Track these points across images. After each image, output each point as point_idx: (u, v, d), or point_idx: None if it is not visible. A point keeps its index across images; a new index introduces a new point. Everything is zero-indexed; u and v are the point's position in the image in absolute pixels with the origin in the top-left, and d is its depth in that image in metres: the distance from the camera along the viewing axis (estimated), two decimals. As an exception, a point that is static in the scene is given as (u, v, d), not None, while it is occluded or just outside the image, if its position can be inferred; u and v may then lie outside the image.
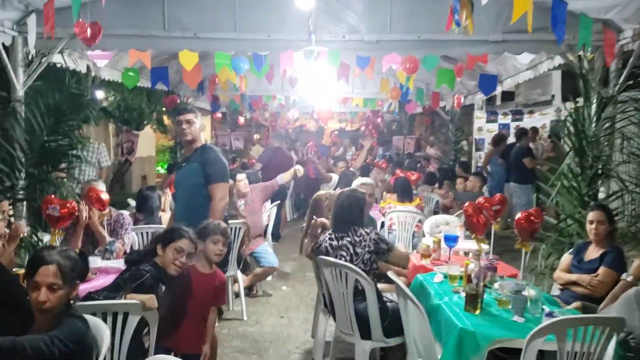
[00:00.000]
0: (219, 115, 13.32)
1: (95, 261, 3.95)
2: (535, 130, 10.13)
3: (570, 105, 10.69)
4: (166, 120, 9.91)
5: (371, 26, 5.39)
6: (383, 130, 18.64)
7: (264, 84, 9.61)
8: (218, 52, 6.38)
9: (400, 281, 3.33)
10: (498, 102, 14.84)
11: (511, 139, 10.63)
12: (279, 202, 7.80)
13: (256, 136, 17.97)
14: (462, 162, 9.72)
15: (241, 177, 6.21)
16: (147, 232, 5.19)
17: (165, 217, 5.52)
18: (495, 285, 3.59)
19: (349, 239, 4.06)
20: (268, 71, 7.66)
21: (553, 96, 11.80)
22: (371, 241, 4.05)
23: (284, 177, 6.73)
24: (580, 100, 5.57)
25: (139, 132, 9.38)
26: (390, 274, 3.46)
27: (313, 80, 8.55)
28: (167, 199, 6.18)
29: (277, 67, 7.26)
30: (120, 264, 3.91)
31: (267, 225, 7.06)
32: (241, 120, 15.17)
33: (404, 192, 6.88)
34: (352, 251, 4.03)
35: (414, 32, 5.31)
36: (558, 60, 6.18)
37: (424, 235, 6.70)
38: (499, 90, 7.82)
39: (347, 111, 16.51)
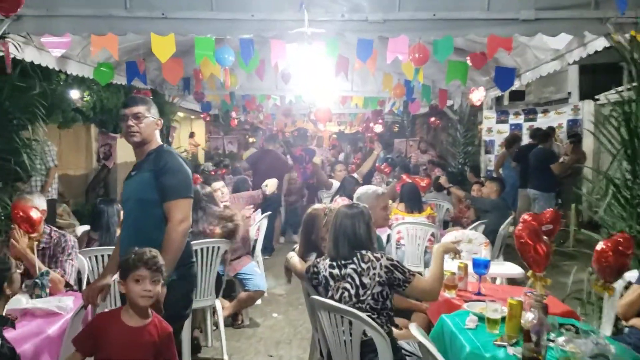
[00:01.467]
0: (204, 115, 12.37)
1: (19, 300, 3.01)
2: (552, 130, 9.28)
3: (588, 103, 10.04)
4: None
5: (376, 3, 4.52)
6: (383, 133, 17.84)
7: (256, 81, 8.84)
8: (197, 39, 5.54)
9: (429, 343, 2.34)
10: (506, 102, 13.98)
11: (524, 141, 9.80)
12: (270, 212, 6.85)
13: (251, 139, 17.17)
14: (474, 166, 8.87)
15: (218, 185, 5.34)
16: (102, 255, 4.24)
17: None
18: (560, 340, 2.60)
19: (353, 266, 3.16)
20: (258, 65, 6.84)
21: (569, 94, 10.97)
22: (382, 269, 3.10)
23: (268, 187, 5.82)
24: (613, 96, 4.64)
25: (117, 135, 8.53)
26: (412, 328, 2.50)
27: (309, 75, 7.70)
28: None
29: (269, 61, 6.48)
30: (53, 303, 3.02)
31: (255, 241, 6.15)
32: (235, 122, 14.29)
33: (413, 201, 6.00)
34: (358, 282, 3.13)
35: (427, 9, 4.44)
36: (578, 53, 5.32)
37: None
38: (516, 84, 6.97)
39: (346, 112, 15.74)
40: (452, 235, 4.82)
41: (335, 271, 3.20)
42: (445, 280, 3.48)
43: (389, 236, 5.78)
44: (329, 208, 3.78)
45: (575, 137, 9.07)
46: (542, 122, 10.14)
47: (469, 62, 6.19)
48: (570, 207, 8.62)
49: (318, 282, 3.28)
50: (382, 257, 3.17)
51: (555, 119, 10.18)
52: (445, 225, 7.36)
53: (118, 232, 4.46)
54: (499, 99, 12.98)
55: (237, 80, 8.24)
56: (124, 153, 12.53)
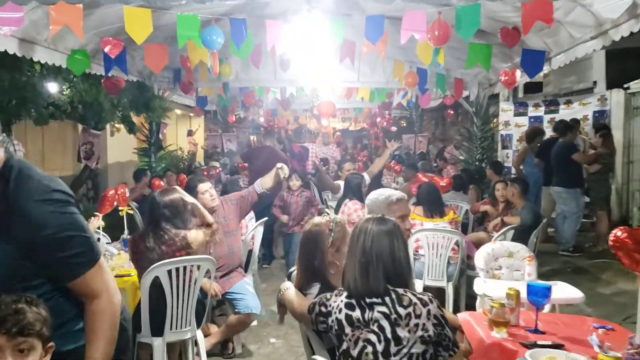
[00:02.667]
0: (196, 109, 11.54)
1: None
2: (576, 123, 8.44)
3: (617, 93, 9.21)
4: (134, 117, 8.28)
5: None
6: (389, 129, 17.02)
7: (253, 71, 8.06)
8: (180, 17, 4.77)
9: None
10: (520, 94, 13.09)
11: (547, 134, 8.97)
12: (267, 218, 5.97)
13: (253, 137, 16.37)
14: (494, 162, 8.03)
15: (205, 187, 4.48)
16: None
17: None
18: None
19: (384, 309, 2.21)
20: (252, 50, 6.05)
21: (595, 83, 10.12)
22: (431, 319, 2.18)
23: (263, 183, 4.89)
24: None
25: (99, 133, 7.76)
26: None
27: (310, 62, 6.90)
28: (90, 227, 4.29)
29: (265, 47, 5.70)
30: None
31: (249, 252, 5.32)
32: (232, 118, 13.48)
33: (433, 204, 5.11)
34: (389, 334, 2.18)
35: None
36: (628, 27, 4.49)
37: (468, 266, 5.04)
38: (546, 69, 6.14)
39: (350, 107, 14.94)
40: (489, 247, 3.96)
41: (356, 314, 2.24)
42: (492, 314, 2.63)
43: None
44: (335, 221, 2.87)
45: (604, 129, 8.24)
46: (565, 114, 9.31)
47: (499, 38, 5.35)
48: (601, 205, 7.81)
49: (327, 327, 2.35)
50: (430, 301, 2.22)
51: (579, 111, 9.35)
52: (464, 228, 6.52)
53: None
54: (513, 91, 12.12)
55: (231, 70, 7.43)
56: (116, 152, 11.81)
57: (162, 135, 8.87)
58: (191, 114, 16.95)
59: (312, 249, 2.79)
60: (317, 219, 2.89)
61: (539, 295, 2.73)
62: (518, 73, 5.56)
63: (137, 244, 3.69)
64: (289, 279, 3.02)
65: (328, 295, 2.40)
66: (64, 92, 7.10)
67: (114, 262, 4.25)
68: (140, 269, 3.64)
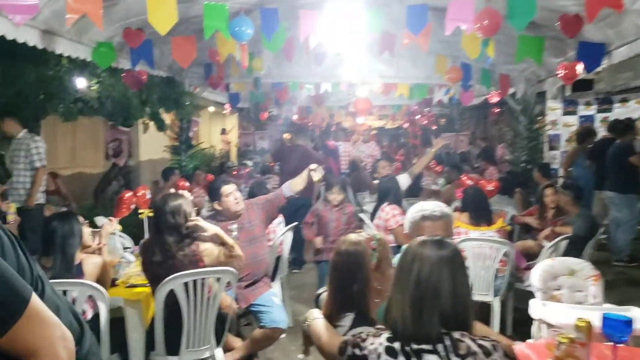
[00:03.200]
0: (227, 106, 11.23)
1: None
2: (633, 122, 7.83)
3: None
4: (164, 114, 8.02)
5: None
6: (428, 127, 16.48)
7: (286, 66, 7.70)
8: (207, 6, 4.43)
9: None
10: (568, 92, 12.39)
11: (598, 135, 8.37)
12: (297, 223, 5.46)
13: (286, 135, 16.05)
14: (542, 164, 7.47)
15: (228, 189, 4.09)
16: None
17: (93, 264, 3.29)
18: None
19: (434, 359, 1.78)
20: (285, 43, 5.68)
21: (655, 79, 9.46)
22: None
23: (292, 185, 4.42)
24: None
25: (128, 129, 7.49)
26: None
27: (346, 55, 6.51)
28: (103, 233, 3.87)
29: (298, 40, 5.34)
30: None
31: (277, 258, 4.94)
32: (265, 115, 13.18)
33: (480, 210, 4.63)
34: None
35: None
36: None
37: (516, 279, 4.58)
38: (604, 63, 5.61)
39: (388, 104, 14.48)
40: (547, 264, 3.47)
41: None
42: (560, 352, 2.15)
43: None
44: (376, 238, 2.40)
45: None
46: (620, 113, 8.70)
47: (551, 31, 4.88)
48: (660, 214, 7.22)
49: None
50: (494, 348, 1.77)
51: (636, 110, 8.72)
52: (509, 236, 6.01)
53: (79, 257, 3.35)
54: (562, 88, 11.47)
55: (263, 65, 7.08)
56: (149, 149, 11.58)
57: (193, 133, 8.59)
58: (224, 112, 16.73)
59: (351, 273, 2.27)
60: (354, 237, 2.39)
61: (617, 330, 2.23)
62: (580, 67, 5.05)
63: (145, 252, 3.38)
64: (317, 303, 2.57)
65: (364, 333, 1.92)
66: (92, 88, 6.88)
67: (131, 269, 3.91)
68: (149, 281, 3.33)
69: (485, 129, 17.09)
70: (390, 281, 2.02)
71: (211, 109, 15.67)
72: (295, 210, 6.36)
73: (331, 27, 5.24)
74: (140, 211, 4.47)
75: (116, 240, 4.13)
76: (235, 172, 7.89)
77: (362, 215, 5.67)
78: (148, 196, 4.55)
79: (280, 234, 4.99)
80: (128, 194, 4.28)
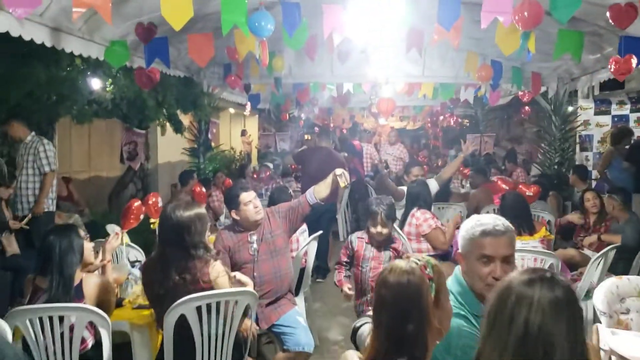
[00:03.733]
0: (246, 105, 10.97)
1: None
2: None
3: None
4: (182, 115, 7.76)
5: None
6: (452, 128, 16.06)
7: (307, 65, 7.42)
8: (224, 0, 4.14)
9: None
10: (596, 91, 11.93)
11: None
12: (321, 232, 4.97)
13: (307, 137, 15.77)
14: (579, 167, 7.08)
15: (248, 196, 3.74)
16: (49, 318, 2.80)
17: (94, 284, 2.97)
18: None
19: None
20: (307, 41, 5.39)
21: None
22: None
23: (316, 192, 3.98)
24: None
25: (143, 132, 7.24)
26: None
27: (372, 53, 6.20)
28: (107, 247, 3.43)
29: (321, 37, 5.06)
30: None
31: (301, 270, 4.53)
32: (286, 116, 12.92)
33: (520, 219, 4.18)
34: None
35: None
36: None
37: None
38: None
39: (410, 105, 14.13)
40: (611, 284, 3.02)
41: None
42: None
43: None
44: (430, 264, 1.82)
45: None
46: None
47: (591, 26, 4.53)
48: None
49: None
50: None
51: (672, 109, 8.32)
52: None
53: (79, 277, 3.02)
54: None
55: (284, 64, 6.79)
56: (167, 151, 11.35)
57: (212, 134, 8.33)
58: (245, 113, 16.48)
59: (405, 311, 1.77)
60: (404, 264, 1.83)
61: None
62: (634, 60, 4.68)
63: (146, 269, 3.06)
64: (355, 339, 2.13)
65: None
66: (107, 89, 6.66)
67: (138, 287, 3.56)
68: (149, 302, 3.02)
69: (509, 129, 16.65)
70: (449, 316, 1.67)
71: (231, 110, 15.44)
72: (319, 216, 6.08)
73: (356, 23, 4.96)
74: (152, 221, 4.17)
75: (124, 254, 3.81)
76: (255, 175, 7.60)
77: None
78: (160, 204, 4.23)
79: (305, 244, 4.60)
80: (137, 203, 3.91)
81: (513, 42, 4.65)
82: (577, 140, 9.28)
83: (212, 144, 8.88)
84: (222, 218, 5.78)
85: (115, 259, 3.92)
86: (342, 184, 3.96)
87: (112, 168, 9.90)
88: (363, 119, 17.71)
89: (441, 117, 14.15)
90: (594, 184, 7.99)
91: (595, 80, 6.74)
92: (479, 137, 13.05)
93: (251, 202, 3.76)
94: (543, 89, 7.82)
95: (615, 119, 8.87)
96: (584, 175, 6.81)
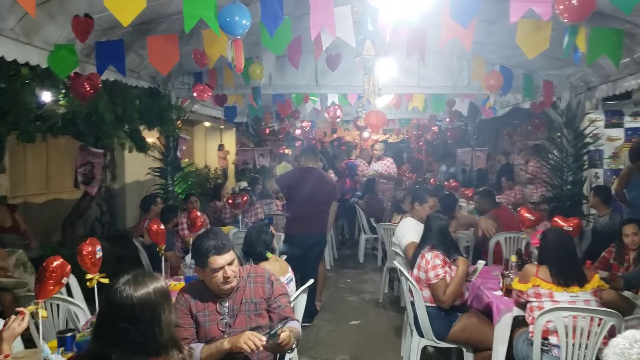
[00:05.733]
0: (221, 120, 10.15)
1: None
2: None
3: None
4: (147, 133, 6.82)
5: None
6: (437, 142, 15.31)
7: (289, 75, 6.58)
8: (182, -13, 3.24)
9: None
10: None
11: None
12: (312, 281, 3.84)
13: (287, 151, 14.89)
14: (601, 188, 6.23)
15: (221, 261, 2.65)
16: None
17: None
18: None
19: None
20: (290, 43, 4.49)
21: None
22: None
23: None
24: None
25: (101, 151, 6.24)
26: None
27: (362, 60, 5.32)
28: (6, 337, 2.43)
29: (307, 38, 4.19)
30: None
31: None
32: (267, 130, 12.12)
33: (569, 265, 3.27)
34: None
35: None
36: None
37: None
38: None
39: (396, 119, 13.39)
40: None
41: None
42: None
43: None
44: None
45: None
46: (674, 124, 7.53)
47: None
48: None
49: None
50: None
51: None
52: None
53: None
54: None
55: (263, 72, 5.89)
56: (135, 170, 10.35)
57: (181, 152, 7.39)
58: (222, 127, 15.57)
59: None
60: None
61: None
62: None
63: None
64: None
65: None
66: (60, 102, 5.69)
67: None
68: None
69: (500, 142, 15.92)
70: None
71: (206, 124, 14.55)
72: (307, 248, 5.19)
73: (348, 22, 4.12)
74: (88, 277, 3.12)
75: (40, 339, 2.65)
76: (230, 201, 6.65)
77: (396, 263, 4.36)
78: (99, 255, 3.17)
79: (293, 297, 3.49)
80: (56, 262, 2.67)
81: (540, 42, 3.84)
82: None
83: (184, 162, 7.93)
84: (187, 258, 4.80)
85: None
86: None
87: (73, 190, 8.89)
88: (344, 133, 16.94)
89: (433, 128, 13.49)
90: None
91: (620, 89, 5.94)
92: (470, 151, 12.27)
93: (223, 269, 2.69)
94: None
95: (629, 132, 8.07)
96: (607, 198, 5.97)
